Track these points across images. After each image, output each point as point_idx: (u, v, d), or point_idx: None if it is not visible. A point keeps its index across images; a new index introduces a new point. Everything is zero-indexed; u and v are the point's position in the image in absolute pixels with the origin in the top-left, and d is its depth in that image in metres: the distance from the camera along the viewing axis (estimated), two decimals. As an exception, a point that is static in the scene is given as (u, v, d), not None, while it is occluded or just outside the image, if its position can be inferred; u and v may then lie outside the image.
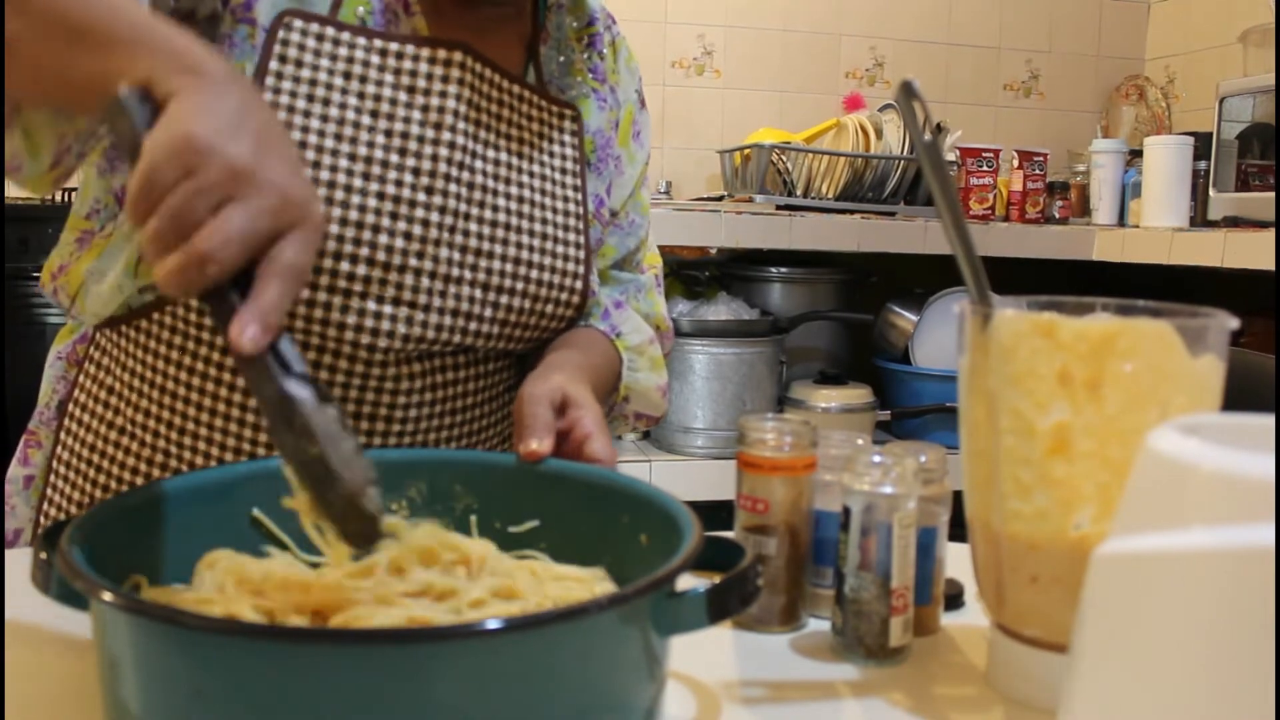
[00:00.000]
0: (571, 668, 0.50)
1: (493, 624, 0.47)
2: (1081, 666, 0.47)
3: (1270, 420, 0.49)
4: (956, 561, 0.78)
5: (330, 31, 0.87)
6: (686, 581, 0.54)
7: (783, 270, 2.34)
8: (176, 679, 0.48)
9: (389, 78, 0.88)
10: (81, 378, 0.96)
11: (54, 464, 0.96)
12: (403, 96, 0.88)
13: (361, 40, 0.88)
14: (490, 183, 0.93)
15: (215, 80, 0.58)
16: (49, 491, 0.96)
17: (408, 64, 0.89)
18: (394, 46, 0.89)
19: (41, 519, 0.96)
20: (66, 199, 2.30)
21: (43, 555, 0.55)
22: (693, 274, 2.44)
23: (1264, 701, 0.40)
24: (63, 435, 0.96)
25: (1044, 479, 0.60)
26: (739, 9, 2.74)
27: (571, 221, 0.99)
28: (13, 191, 2.44)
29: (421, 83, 0.89)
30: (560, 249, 0.97)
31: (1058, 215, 2.50)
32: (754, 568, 0.57)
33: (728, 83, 2.76)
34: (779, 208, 2.19)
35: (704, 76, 2.75)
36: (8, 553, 0.80)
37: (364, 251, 0.85)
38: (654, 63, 2.68)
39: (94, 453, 0.93)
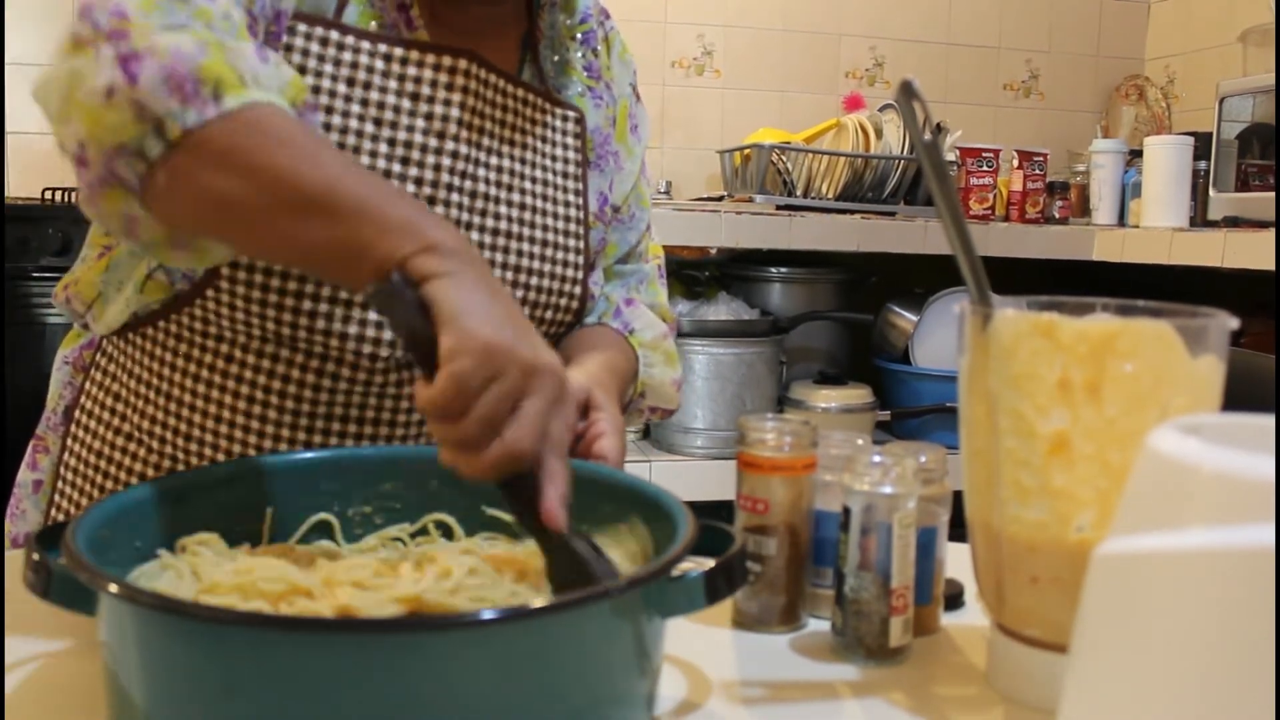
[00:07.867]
0: (569, 657, 0.51)
1: (488, 614, 0.47)
2: (1081, 666, 0.47)
3: (1270, 420, 0.49)
4: (956, 561, 0.78)
5: (334, 36, 0.85)
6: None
7: (783, 270, 2.34)
8: (178, 672, 0.48)
9: (393, 84, 0.87)
10: (88, 384, 0.95)
11: (61, 469, 0.95)
12: (406, 104, 0.87)
13: (365, 45, 0.86)
14: (492, 190, 0.92)
15: (458, 262, 0.62)
16: (56, 497, 0.96)
17: (412, 70, 0.88)
18: (398, 52, 0.87)
19: (49, 524, 0.95)
20: (67, 199, 2.29)
21: (35, 556, 0.54)
22: (693, 274, 2.44)
23: (1264, 701, 0.40)
24: (69, 441, 0.95)
25: (1044, 488, 0.60)
26: (739, 9, 2.73)
27: (572, 227, 0.98)
28: (13, 191, 2.44)
29: (425, 90, 0.88)
30: (560, 255, 0.97)
31: (1058, 215, 2.50)
32: (743, 551, 0.59)
33: (727, 83, 2.76)
34: (779, 208, 2.19)
35: (704, 76, 2.75)
36: (8, 553, 0.80)
37: None
38: (654, 63, 2.68)
39: (100, 458, 0.93)
